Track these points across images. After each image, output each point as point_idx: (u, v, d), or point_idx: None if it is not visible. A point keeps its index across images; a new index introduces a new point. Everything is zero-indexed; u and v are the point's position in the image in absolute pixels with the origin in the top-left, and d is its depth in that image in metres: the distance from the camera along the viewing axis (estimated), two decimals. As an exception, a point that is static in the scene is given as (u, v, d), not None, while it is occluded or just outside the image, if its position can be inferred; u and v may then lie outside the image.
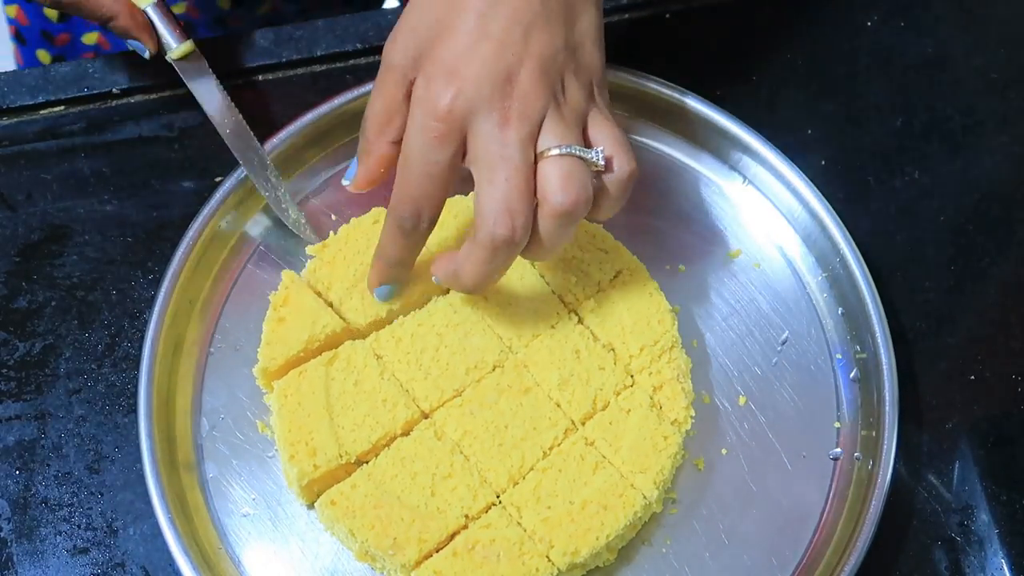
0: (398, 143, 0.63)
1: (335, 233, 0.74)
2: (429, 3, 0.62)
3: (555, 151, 0.59)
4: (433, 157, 0.60)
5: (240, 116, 0.76)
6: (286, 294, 0.71)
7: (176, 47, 0.75)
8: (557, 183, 0.59)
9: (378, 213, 0.74)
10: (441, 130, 0.59)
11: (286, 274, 0.72)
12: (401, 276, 0.68)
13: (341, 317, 0.71)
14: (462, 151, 0.60)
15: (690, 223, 0.79)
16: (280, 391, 0.68)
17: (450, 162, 0.60)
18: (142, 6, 0.74)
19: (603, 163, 0.61)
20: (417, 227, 0.62)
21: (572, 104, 0.61)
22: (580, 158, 0.60)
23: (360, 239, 0.73)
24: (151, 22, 0.74)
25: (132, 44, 0.74)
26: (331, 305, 0.71)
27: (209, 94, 0.76)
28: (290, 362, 0.69)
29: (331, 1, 1.09)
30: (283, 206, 0.75)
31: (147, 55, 0.74)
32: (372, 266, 0.68)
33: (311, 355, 0.70)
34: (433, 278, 0.67)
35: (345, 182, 0.67)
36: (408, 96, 0.62)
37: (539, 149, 0.60)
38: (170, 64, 0.76)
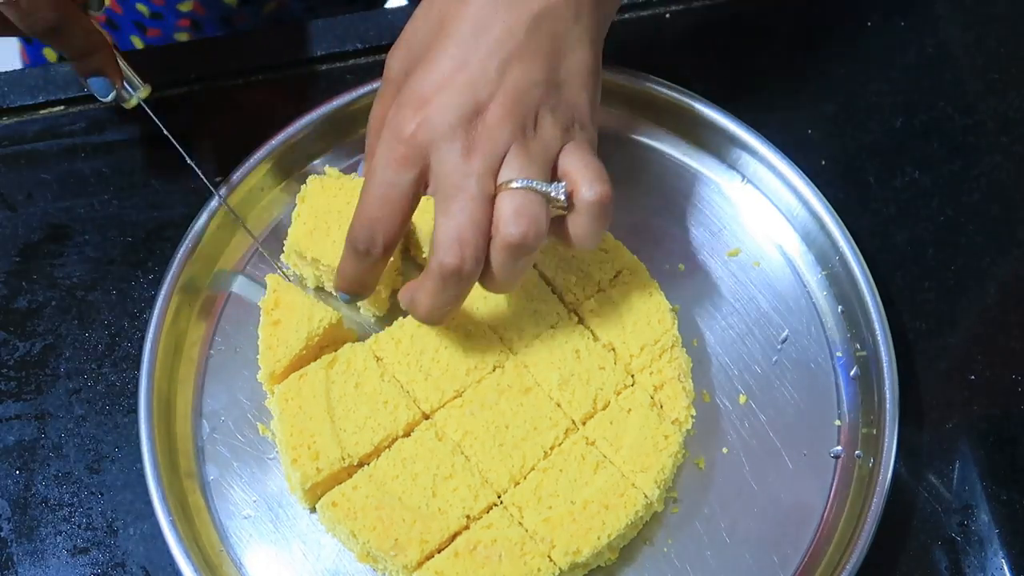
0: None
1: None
2: (424, 21, 0.62)
3: (514, 184, 0.59)
4: (392, 179, 0.60)
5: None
6: (275, 297, 0.71)
7: (139, 90, 0.71)
8: (509, 215, 0.58)
9: None
10: (403, 153, 0.59)
11: (271, 278, 0.71)
12: (361, 293, 0.67)
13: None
14: (424, 180, 0.60)
15: (690, 222, 0.79)
16: (281, 395, 0.68)
17: (409, 188, 0.60)
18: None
19: (563, 198, 0.60)
20: (370, 251, 0.62)
21: (542, 139, 0.60)
22: (537, 192, 0.59)
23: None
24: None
25: (91, 84, 0.70)
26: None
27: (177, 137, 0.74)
28: (294, 362, 0.69)
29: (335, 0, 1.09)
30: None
31: (107, 97, 0.70)
32: (336, 271, 0.66)
33: (313, 352, 0.70)
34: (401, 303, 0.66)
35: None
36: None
37: (499, 181, 0.59)
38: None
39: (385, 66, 0.64)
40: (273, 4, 1.02)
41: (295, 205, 0.74)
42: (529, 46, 0.60)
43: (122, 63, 0.70)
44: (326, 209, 0.72)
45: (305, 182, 0.74)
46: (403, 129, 0.59)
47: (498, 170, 0.59)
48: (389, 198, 0.60)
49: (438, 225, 0.59)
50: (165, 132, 0.72)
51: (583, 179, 0.60)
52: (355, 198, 0.64)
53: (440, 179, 0.59)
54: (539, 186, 0.59)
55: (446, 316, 0.64)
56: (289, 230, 0.73)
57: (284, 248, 0.74)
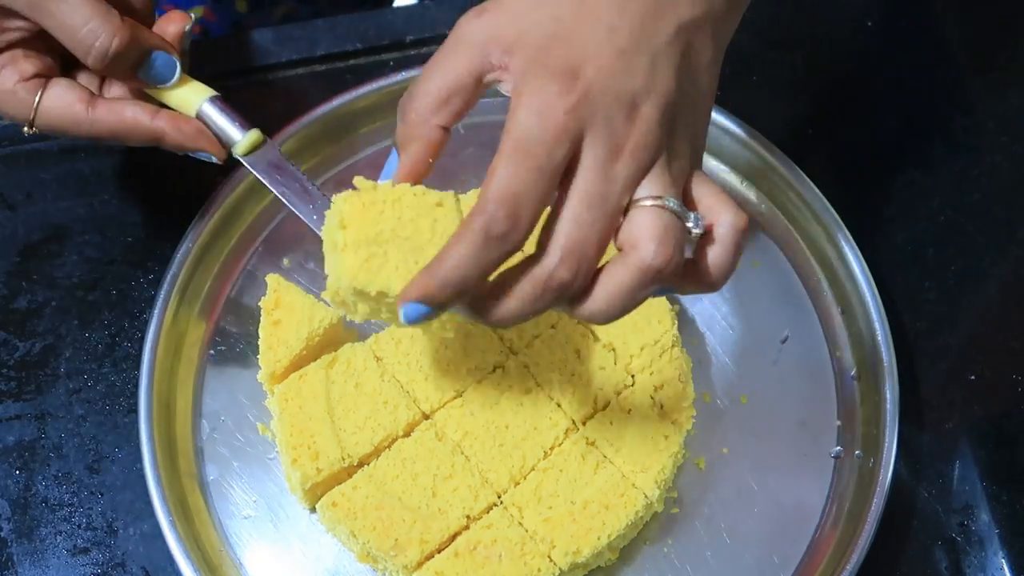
0: (448, 130, 0.55)
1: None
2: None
3: (657, 203, 0.52)
4: (547, 150, 0.50)
5: (326, 198, 0.67)
6: (275, 297, 0.71)
7: (240, 140, 0.67)
8: (651, 237, 0.51)
9: (445, 197, 0.60)
10: (563, 124, 0.50)
11: (271, 278, 0.71)
12: (453, 301, 0.52)
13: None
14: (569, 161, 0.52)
15: (690, 223, 0.79)
16: (281, 395, 0.68)
17: (561, 163, 0.51)
18: (194, 108, 0.67)
19: (701, 231, 0.53)
20: (508, 235, 0.50)
21: (679, 159, 0.54)
22: (680, 218, 0.52)
23: (412, 208, 0.58)
24: (206, 123, 0.67)
25: (197, 155, 0.68)
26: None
27: (289, 188, 0.68)
28: (294, 362, 0.69)
29: (344, 4, 1.08)
30: None
31: (216, 160, 0.68)
32: (419, 276, 0.52)
33: (313, 352, 0.70)
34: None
35: (382, 181, 0.57)
36: (479, 81, 0.54)
37: (636, 195, 0.52)
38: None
39: (460, 30, 0.55)
40: (282, 9, 1.02)
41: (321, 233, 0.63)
42: (671, 55, 0.54)
43: (217, 121, 0.67)
44: (375, 231, 0.56)
45: (332, 203, 0.58)
46: (563, 98, 0.51)
47: (639, 182, 0.52)
48: (542, 170, 0.50)
49: (561, 226, 0.51)
50: (274, 192, 0.69)
51: (725, 208, 0.54)
52: (406, 210, 0.56)
53: (580, 173, 0.51)
54: (683, 211, 0.52)
55: (520, 321, 0.54)
56: (331, 264, 0.58)
57: (327, 287, 0.59)
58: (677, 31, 0.54)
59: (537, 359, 0.70)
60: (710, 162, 0.81)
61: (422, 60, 0.82)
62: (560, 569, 0.65)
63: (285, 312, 0.70)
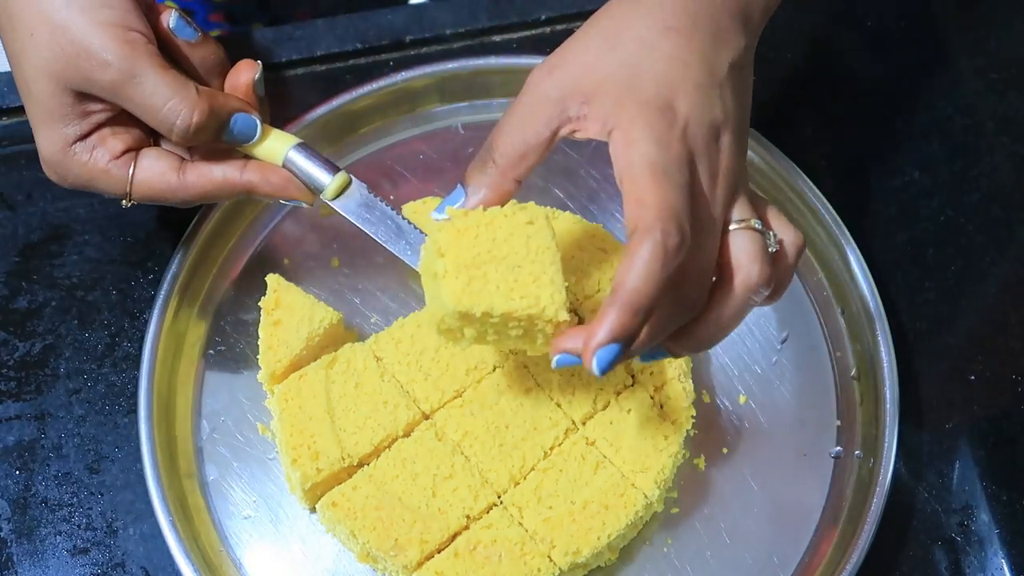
0: (520, 183, 0.59)
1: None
2: (611, 40, 0.58)
3: (745, 224, 0.56)
4: (681, 172, 0.54)
5: (418, 231, 0.68)
6: (275, 297, 0.71)
7: (328, 184, 0.67)
8: (754, 256, 0.56)
9: (535, 213, 0.62)
10: (680, 151, 0.54)
11: (271, 278, 0.71)
12: (638, 329, 0.53)
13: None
14: None
15: (690, 223, 0.79)
16: (281, 395, 0.68)
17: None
18: (281, 156, 0.67)
19: (775, 249, 0.58)
20: (682, 246, 0.52)
21: (746, 179, 0.59)
22: (764, 237, 0.57)
23: (504, 228, 0.60)
24: (293, 171, 0.67)
25: (288, 202, 0.68)
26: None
27: (382, 227, 0.68)
28: (294, 362, 0.69)
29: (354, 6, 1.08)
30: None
31: (305, 206, 0.68)
32: (601, 316, 0.52)
33: (313, 352, 0.70)
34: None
35: (441, 216, 0.60)
36: (555, 135, 0.58)
37: (729, 217, 0.57)
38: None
39: (534, 87, 0.58)
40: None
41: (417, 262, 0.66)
42: (731, 84, 0.58)
43: (303, 168, 0.67)
44: (472, 255, 0.58)
45: (430, 233, 0.61)
46: (669, 129, 0.54)
47: (732, 205, 0.57)
48: (683, 188, 0.53)
49: (691, 257, 0.54)
50: (367, 232, 0.68)
51: (786, 227, 0.59)
52: (500, 231, 0.58)
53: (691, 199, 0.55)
54: (765, 232, 0.57)
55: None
56: (432, 293, 0.61)
57: (432, 318, 0.61)
58: (732, 63, 0.58)
59: (537, 359, 0.70)
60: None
61: (422, 60, 0.83)
62: (560, 569, 0.65)
63: (285, 312, 0.70)
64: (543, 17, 0.86)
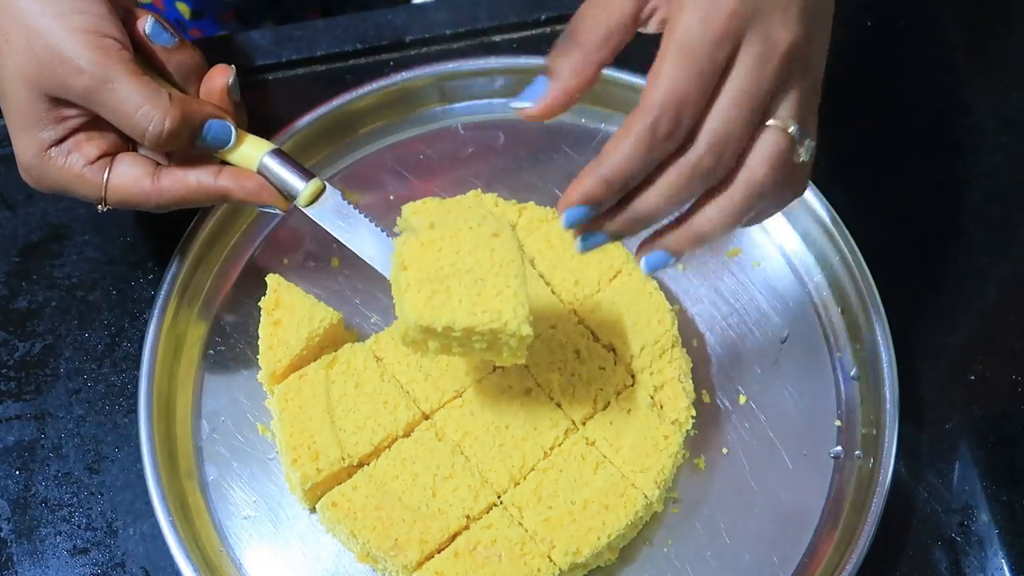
0: (602, 68, 0.57)
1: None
2: None
3: (780, 123, 0.55)
4: (712, 55, 0.53)
5: (391, 240, 0.68)
6: (276, 297, 0.71)
7: (302, 191, 0.67)
8: (767, 160, 0.55)
9: (475, 195, 0.69)
10: (727, 24, 0.53)
11: (271, 278, 0.71)
12: (609, 199, 0.55)
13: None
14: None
15: (690, 223, 0.79)
16: (281, 396, 0.68)
17: (722, 65, 0.54)
18: (255, 162, 0.67)
19: (810, 159, 0.57)
20: (673, 135, 0.53)
21: (813, 90, 0.57)
22: (793, 144, 0.56)
23: (463, 241, 0.62)
24: (267, 177, 0.67)
25: (262, 208, 0.69)
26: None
27: (354, 234, 0.69)
28: (294, 362, 0.69)
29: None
30: None
31: (280, 212, 0.69)
32: (578, 179, 0.55)
33: (313, 352, 0.70)
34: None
35: (525, 103, 0.57)
36: (636, 19, 0.56)
37: (773, 107, 0.55)
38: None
39: None
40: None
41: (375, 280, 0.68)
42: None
43: (277, 174, 0.67)
44: (435, 268, 0.60)
45: (395, 246, 0.62)
46: (714, 5, 0.53)
47: (781, 91, 0.55)
48: (704, 74, 0.53)
49: (711, 120, 0.54)
50: (340, 239, 0.69)
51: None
52: (464, 244, 0.59)
53: (735, 69, 0.54)
54: (800, 138, 0.56)
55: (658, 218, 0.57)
56: (398, 306, 0.61)
57: (400, 331, 0.61)
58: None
59: (537, 359, 0.70)
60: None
61: (422, 60, 0.83)
62: (560, 569, 0.65)
63: (285, 312, 0.70)
64: (543, 17, 0.86)
